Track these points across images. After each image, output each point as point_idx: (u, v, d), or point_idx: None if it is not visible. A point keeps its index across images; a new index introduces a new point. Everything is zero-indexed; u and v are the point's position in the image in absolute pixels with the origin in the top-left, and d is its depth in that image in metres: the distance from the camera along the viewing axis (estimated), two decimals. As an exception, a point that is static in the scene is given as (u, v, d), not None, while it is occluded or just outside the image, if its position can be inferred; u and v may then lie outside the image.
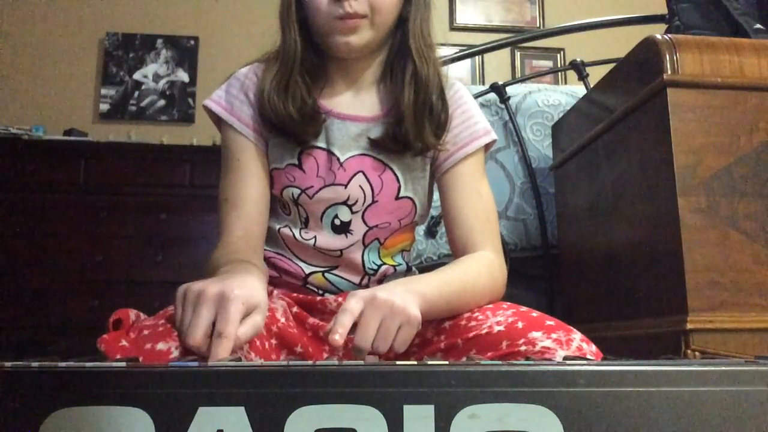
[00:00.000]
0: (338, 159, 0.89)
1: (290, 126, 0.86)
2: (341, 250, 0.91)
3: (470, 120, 0.93)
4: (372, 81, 0.94)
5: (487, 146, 0.95)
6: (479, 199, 0.90)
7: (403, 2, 0.89)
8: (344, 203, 0.89)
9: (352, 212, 0.90)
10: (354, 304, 0.66)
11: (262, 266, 0.86)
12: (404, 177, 0.91)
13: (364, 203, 0.90)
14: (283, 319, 0.84)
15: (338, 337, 0.63)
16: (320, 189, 0.89)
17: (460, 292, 0.79)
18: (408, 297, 0.70)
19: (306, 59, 0.89)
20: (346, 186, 0.89)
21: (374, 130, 0.91)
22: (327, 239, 0.90)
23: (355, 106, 0.92)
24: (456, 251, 0.91)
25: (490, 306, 0.81)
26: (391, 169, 0.90)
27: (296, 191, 0.89)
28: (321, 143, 0.90)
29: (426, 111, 0.88)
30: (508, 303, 0.82)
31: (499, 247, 0.90)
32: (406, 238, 0.97)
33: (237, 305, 0.60)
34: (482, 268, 0.84)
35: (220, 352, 0.57)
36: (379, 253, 0.94)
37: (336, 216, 0.90)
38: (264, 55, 0.93)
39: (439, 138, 0.90)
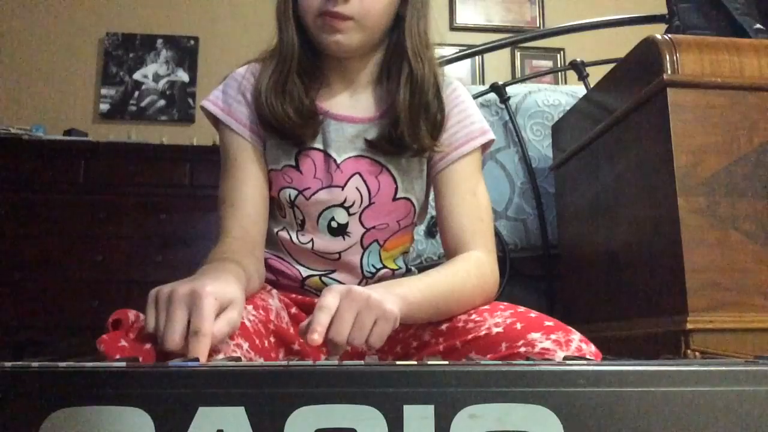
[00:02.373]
0: (335, 161, 0.89)
1: (288, 126, 0.86)
2: (339, 253, 0.91)
3: (467, 120, 0.92)
4: (369, 81, 0.93)
5: (485, 146, 0.94)
6: (473, 198, 0.89)
7: (400, 1, 0.88)
8: (341, 205, 0.89)
9: (349, 214, 0.89)
10: (331, 299, 0.65)
11: (259, 266, 0.85)
12: (401, 178, 0.91)
13: (361, 205, 0.89)
14: (283, 315, 0.84)
15: (317, 336, 0.62)
16: (317, 191, 0.88)
17: (446, 295, 0.78)
18: (387, 295, 0.69)
19: (303, 59, 0.88)
20: (343, 188, 0.88)
21: (370, 131, 0.90)
22: (324, 242, 0.90)
23: (351, 106, 0.92)
24: (448, 251, 0.89)
25: (487, 307, 0.81)
26: (388, 170, 0.90)
27: (293, 193, 0.88)
28: (318, 144, 0.89)
29: (422, 112, 0.87)
30: (506, 303, 0.82)
31: (491, 247, 0.88)
32: (407, 239, 0.97)
33: (210, 301, 0.59)
34: (471, 269, 0.83)
35: (198, 349, 0.56)
36: (380, 255, 0.93)
37: (332, 218, 0.89)
38: (261, 54, 0.92)
39: (435, 139, 0.89)
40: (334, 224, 0.90)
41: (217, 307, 0.59)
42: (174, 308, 0.58)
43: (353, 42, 0.85)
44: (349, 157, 0.89)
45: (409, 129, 0.86)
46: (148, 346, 0.62)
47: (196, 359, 0.55)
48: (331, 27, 0.83)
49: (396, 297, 0.70)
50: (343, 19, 0.82)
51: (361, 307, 0.65)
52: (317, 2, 0.82)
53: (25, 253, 2.80)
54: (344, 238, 0.90)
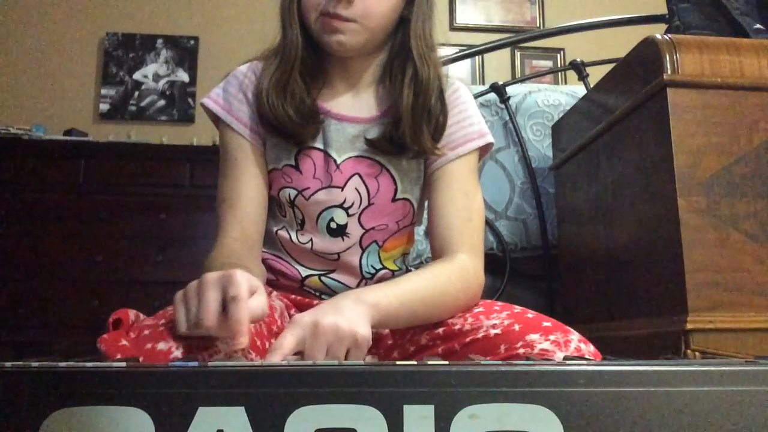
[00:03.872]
0: (335, 161, 0.89)
1: (288, 126, 0.85)
2: (338, 253, 0.90)
3: (465, 121, 0.92)
4: (371, 81, 0.93)
5: (484, 150, 0.93)
6: (464, 198, 0.88)
7: (405, 3, 0.88)
8: (340, 206, 0.89)
9: (348, 215, 0.89)
10: (288, 339, 0.61)
11: (258, 266, 0.85)
12: (401, 179, 0.90)
13: (360, 206, 0.89)
14: (286, 316, 0.84)
15: None
16: (317, 191, 0.88)
17: (426, 300, 0.77)
18: (356, 312, 0.66)
19: (306, 58, 0.88)
20: (342, 189, 0.88)
21: (371, 131, 0.90)
22: (324, 242, 0.90)
23: (353, 107, 0.91)
24: (434, 250, 0.88)
25: (482, 309, 0.80)
26: (388, 171, 0.90)
27: (293, 192, 0.88)
28: (318, 144, 0.89)
29: (424, 113, 0.87)
30: (501, 303, 0.81)
31: (478, 250, 0.87)
32: (406, 240, 0.97)
33: (242, 275, 0.60)
34: (454, 273, 0.81)
35: (239, 313, 0.57)
36: (379, 256, 0.93)
37: (332, 219, 0.89)
38: (263, 53, 0.92)
39: (436, 141, 0.88)
40: (333, 225, 0.89)
41: (248, 286, 0.60)
42: (206, 290, 0.59)
43: (355, 43, 0.84)
44: (349, 158, 0.89)
45: (410, 130, 0.86)
46: (148, 346, 0.62)
47: (196, 359, 0.55)
48: (333, 28, 0.82)
49: (366, 307, 0.68)
50: (344, 20, 0.82)
51: (330, 341, 0.63)
52: (320, 3, 0.82)
53: (25, 253, 2.80)
54: (343, 239, 0.90)
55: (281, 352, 0.61)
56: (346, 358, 0.64)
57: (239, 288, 0.58)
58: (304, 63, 0.88)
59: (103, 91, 3.45)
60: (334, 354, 0.63)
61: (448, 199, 0.88)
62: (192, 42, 3.54)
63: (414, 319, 0.78)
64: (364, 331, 0.65)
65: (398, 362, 0.41)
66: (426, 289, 0.77)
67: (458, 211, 0.87)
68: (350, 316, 0.65)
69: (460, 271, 0.82)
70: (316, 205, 0.88)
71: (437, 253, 0.87)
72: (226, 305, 0.58)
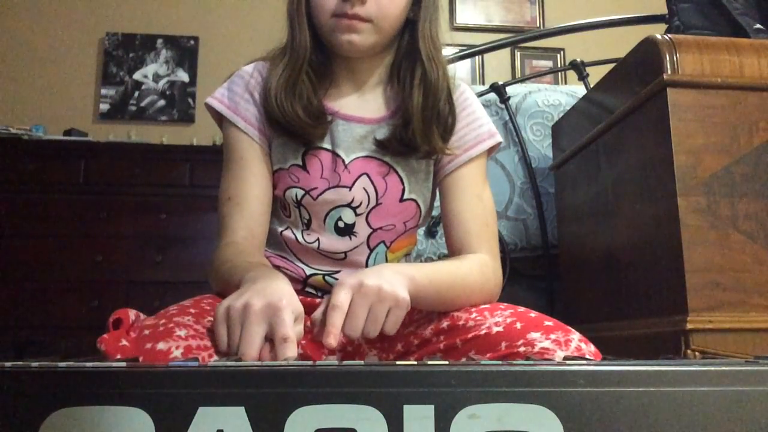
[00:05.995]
0: (343, 161, 0.89)
1: (298, 126, 0.86)
2: (345, 253, 0.91)
3: (475, 123, 0.93)
4: (377, 82, 0.93)
5: (492, 148, 0.94)
6: (479, 203, 0.90)
7: (411, 4, 0.88)
8: (348, 205, 0.89)
9: (356, 214, 0.90)
10: (343, 297, 0.66)
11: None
12: (409, 179, 0.91)
13: (368, 206, 0.89)
14: None
15: (333, 340, 0.64)
16: (324, 191, 0.88)
17: (450, 283, 0.80)
18: (396, 279, 0.70)
19: (313, 59, 0.88)
20: (350, 188, 0.88)
21: (380, 131, 0.90)
22: (331, 241, 0.90)
23: (360, 107, 0.92)
24: (452, 254, 0.90)
25: (488, 306, 0.81)
26: (396, 172, 0.90)
27: (300, 192, 0.88)
28: (326, 144, 0.89)
29: (434, 114, 0.88)
30: (506, 303, 0.82)
31: (495, 252, 0.89)
32: (412, 241, 0.98)
33: (289, 313, 0.62)
34: (474, 266, 0.84)
35: (288, 354, 0.60)
36: (386, 257, 0.93)
37: (339, 218, 0.90)
38: (269, 53, 0.92)
39: (446, 141, 0.89)
40: (341, 224, 0.90)
41: (293, 318, 0.63)
42: (251, 323, 0.61)
43: (367, 43, 0.85)
44: (357, 158, 0.89)
45: (420, 131, 0.87)
46: (148, 345, 0.62)
47: (196, 359, 0.55)
48: (348, 27, 0.83)
49: (405, 278, 0.72)
50: (360, 20, 0.82)
51: (373, 301, 0.67)
52: (332, 3, 0.82)
53: (25, 253, 2.80)
54: (351, 238, 0.90)
55: (341, 311, 0.65)
56: (386, 319, 0.68)
57: (287, 330, 0.61)
58: (311, 63, 0.88)
59: (103, 91, 3.45)
60: (375, 313, 0.67)
61: (465, 205, 0.90)
62: (192, 42, 3.54)
63: (438, 301, 0.80)
64: (405, 295, 0.69)
65: (398, 362, 0.41)
66: (449, 274, 0.81)
67: (474, 216, 0.89)
68: (392, 280, 0.69)
69: (479, 265, 0.85)
70: (324, 204, 0.89)
71: (455, 255, 0.89)
72: (269, 335, 0.61)
